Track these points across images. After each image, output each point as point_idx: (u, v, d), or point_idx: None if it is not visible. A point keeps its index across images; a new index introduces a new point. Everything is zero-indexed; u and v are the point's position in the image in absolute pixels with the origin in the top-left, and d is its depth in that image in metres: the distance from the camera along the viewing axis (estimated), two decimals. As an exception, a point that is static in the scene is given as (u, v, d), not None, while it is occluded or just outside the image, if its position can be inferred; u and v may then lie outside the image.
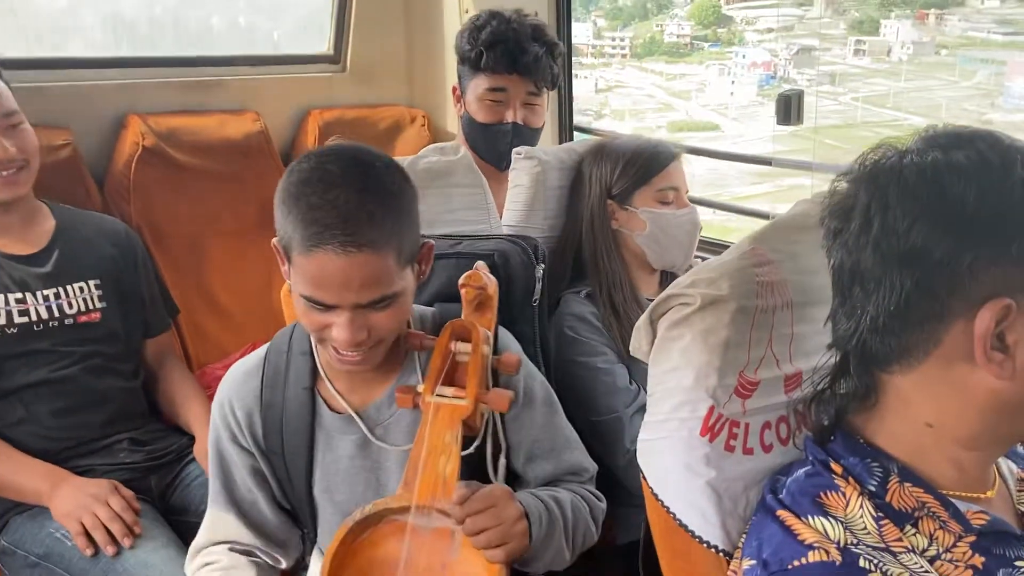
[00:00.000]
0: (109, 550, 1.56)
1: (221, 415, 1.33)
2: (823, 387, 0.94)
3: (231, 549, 1.33)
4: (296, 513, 1.36)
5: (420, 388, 1.21)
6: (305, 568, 1.42)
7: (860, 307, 0.85)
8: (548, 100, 2.08)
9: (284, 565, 1.38)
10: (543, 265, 1.54)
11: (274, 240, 1.21)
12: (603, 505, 1.36)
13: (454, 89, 2.11)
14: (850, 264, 0.85)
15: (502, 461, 1.27)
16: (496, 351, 1.30)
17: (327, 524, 1.32)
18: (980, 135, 0.82)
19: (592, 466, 1.40)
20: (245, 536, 1.34)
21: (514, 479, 1.35)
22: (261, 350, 1.36)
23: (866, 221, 0.83)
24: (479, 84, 2.01)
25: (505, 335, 1.36)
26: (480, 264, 1.38)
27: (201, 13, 2.76)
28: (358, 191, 1.11)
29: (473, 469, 1.25)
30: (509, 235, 1.64)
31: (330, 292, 1.12)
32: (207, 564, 1.32)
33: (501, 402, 1.21)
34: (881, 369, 0.88)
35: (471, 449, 1.24)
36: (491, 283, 1.33)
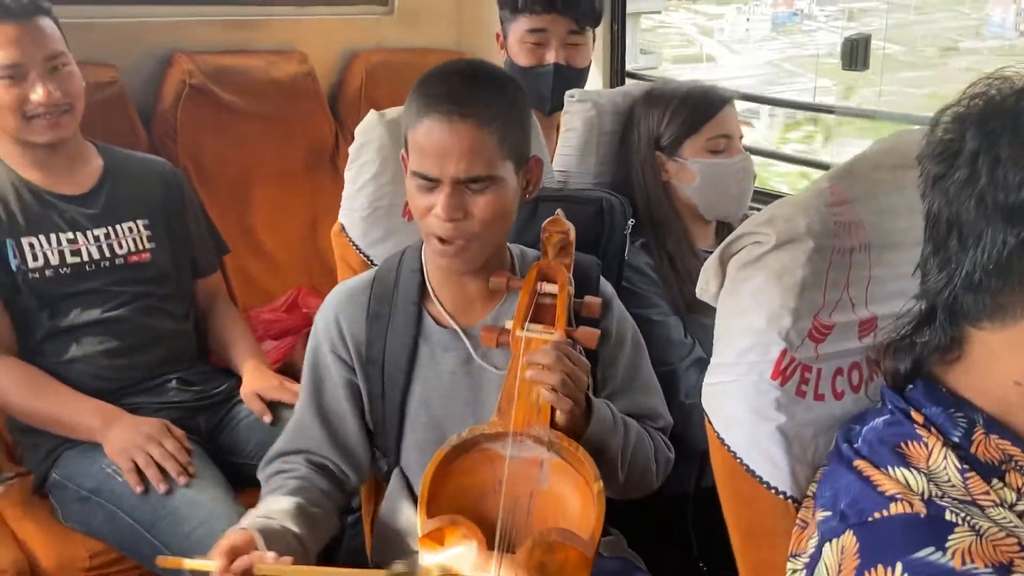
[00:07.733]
0: (161, 488, 1.57)
1: (324, 325, 1.35)
2: (904, 334, 0.88)
3: (308, 460, 1.33)
4: (381, 431, 1.36)
5: (508, 325, 1.23)
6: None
7: (955, 259, 0.79)
8: (593, 39, 2.02)
9: (353, 483, 1.37)
10: (632, 220, 1.58)
11: (403, 151, 1.27)
12: (670, 455, 1.35)
13: (497, 35, 2.06)
14: (948, 214, 0.79)
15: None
16: (595, 293, 1.33)
17: (416, 442, 1.33)
18: None
19: (668, 417, 1.39)
20: (325, 448, 1.34)
21: None
22: (369, 272, 1.40)
23: (972, 172, 0.76)
24: (519, 26, 1.96)
25: (603, 282, 1.39)
26: (559, 211, 1.38)
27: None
28: (471, 76, 1.21)
29: None
30: (608, 190, 1.67)
31: (434, 162, 1.17)
32: (283, 471, 1.33)
33: (589, 338, 1.22)
34: (971, 323, 0.82)
35: None
36: (571, 228, 1.35)
